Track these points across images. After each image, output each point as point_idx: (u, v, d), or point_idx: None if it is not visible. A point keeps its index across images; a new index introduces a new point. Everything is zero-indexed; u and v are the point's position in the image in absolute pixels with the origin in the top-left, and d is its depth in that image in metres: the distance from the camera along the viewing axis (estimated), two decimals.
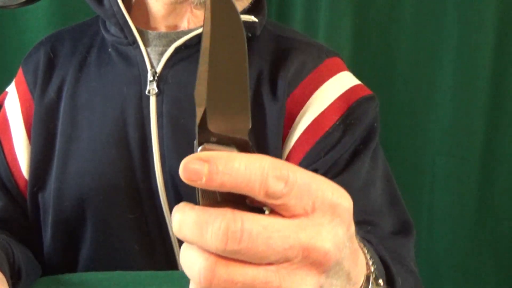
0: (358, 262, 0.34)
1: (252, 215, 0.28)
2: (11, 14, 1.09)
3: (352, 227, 0.32)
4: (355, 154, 0.66)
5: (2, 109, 0.75)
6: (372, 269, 0.37)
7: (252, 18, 0.69)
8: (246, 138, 0.30)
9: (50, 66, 0.73)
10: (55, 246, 0.71)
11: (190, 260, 0.29)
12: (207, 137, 0.30)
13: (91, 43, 0.74)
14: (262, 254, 0.28)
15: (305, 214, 0.29)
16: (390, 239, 0.63)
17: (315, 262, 0.29)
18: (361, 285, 0.35)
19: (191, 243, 0.29)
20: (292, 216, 0.29)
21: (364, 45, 1.15)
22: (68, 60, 0.73)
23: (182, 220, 0.29)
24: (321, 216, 0.29)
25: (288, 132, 0.67)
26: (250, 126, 0.30)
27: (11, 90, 0.76)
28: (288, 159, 0.67)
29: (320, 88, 0.68)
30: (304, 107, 0.68)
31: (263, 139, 0.67)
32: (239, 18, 0.30)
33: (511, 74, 1.16)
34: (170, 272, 0.67)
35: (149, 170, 0.67)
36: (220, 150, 0.29)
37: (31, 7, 0.85)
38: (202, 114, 0.30)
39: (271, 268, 0.29)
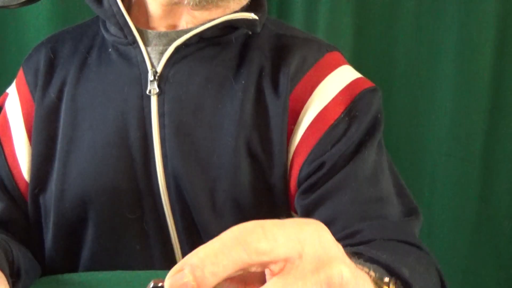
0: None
1: None
2: (11, 14, 1.09)
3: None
4: (361, 145, 0.66)
5: (2, 111, 0.75)
6: (371, 274, 0.37)
7: (252, 15, 0.69)
8: None
9: (51, 67, 0.73)
10: (57, 247, 0.71)
11: None
12: None
13: (91, 43, 0.74)
14: None
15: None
16: (400, 223, 0.64)
17: None
18: None
19: None
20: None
21: (364, 45, 1.15)
22: (69, 60, 0.73)
23: None
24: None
25: (292, 128, 0.67)
26: None
27: (12, 91, 0.75)
28: (295, 154, 0.67)
29: (322, 82, 0.69)
30: (308, 102, 0.68)
31: (267, 135, 0.67)
32: None
33: (511, 74, 1.16)
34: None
35: (150, 170, 0.67)
36: None
37: (31, 7, 0.85)
38: None
39: None
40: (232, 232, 0.29)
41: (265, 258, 0.29)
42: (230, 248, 0.28)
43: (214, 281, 0.28)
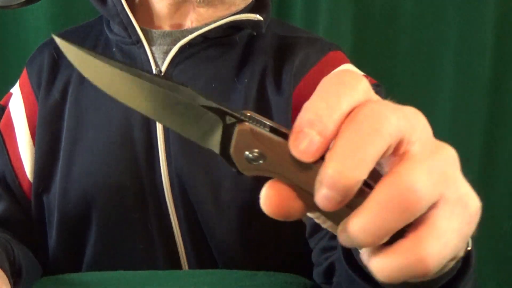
0: None
1: None
2: (11, 14, 1.09)
3: None
4: None
5: (6, 111, 0.75)
6: None
7: (257, 16, 0.69)
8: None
9: (55, 67, 0.73)
10: (60, 247, 0.71)
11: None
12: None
13: (95, 43, 0.74)
14: None
15: None
16: None
17: None
18: None
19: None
20: None
21: (364, 45, 1.15)
22: None
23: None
24: None
25: None
26: None
27: (16, 91, 0.76)
28: None
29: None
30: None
31: None
32: None
33: (511, 74, 1.16)
34: (170, 271, 0.67)
35: (154, 170, 0.67)
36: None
37: (31, 7, 0.85)
38: None
39: None
40: (364, 115, 0.26)
41: (401, 135, 0.27)
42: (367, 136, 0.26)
43: (335, 130, 0.26)
